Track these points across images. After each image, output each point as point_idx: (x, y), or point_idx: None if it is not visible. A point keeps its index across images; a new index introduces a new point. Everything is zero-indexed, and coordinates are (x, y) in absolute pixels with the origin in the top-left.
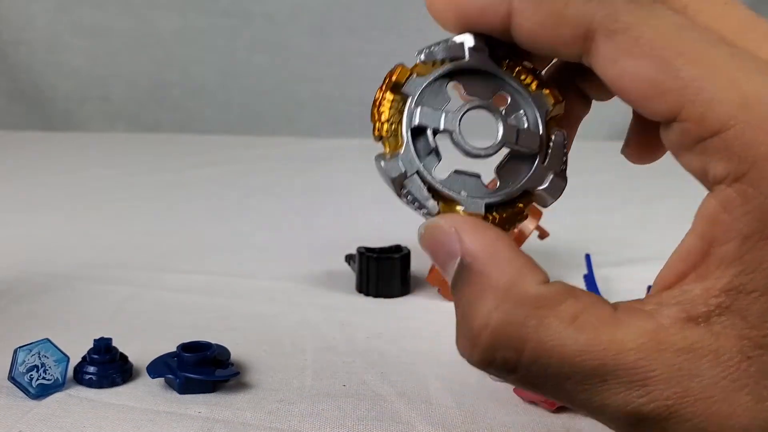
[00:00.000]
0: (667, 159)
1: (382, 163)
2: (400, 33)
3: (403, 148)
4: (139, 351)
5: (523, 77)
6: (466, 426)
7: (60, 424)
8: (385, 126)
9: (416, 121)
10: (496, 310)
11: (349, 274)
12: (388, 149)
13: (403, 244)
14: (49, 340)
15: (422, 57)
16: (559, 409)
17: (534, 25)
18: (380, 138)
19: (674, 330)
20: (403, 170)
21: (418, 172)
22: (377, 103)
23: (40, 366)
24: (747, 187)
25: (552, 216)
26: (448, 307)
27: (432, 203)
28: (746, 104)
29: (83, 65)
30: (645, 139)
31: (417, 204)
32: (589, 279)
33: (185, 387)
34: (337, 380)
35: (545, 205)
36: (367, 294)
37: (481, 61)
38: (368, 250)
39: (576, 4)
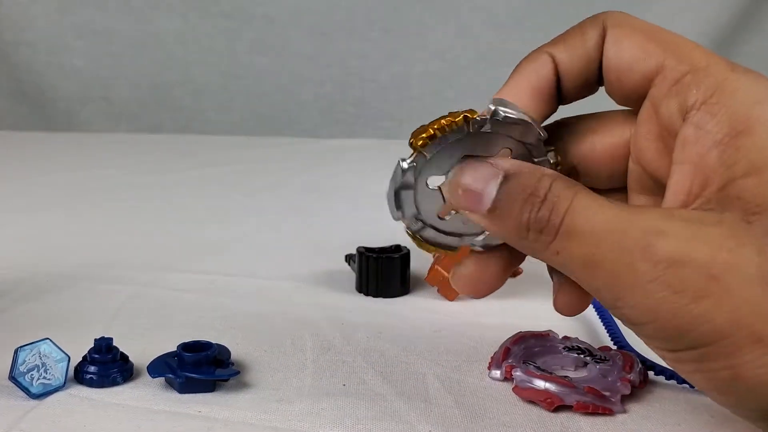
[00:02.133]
0: None
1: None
2: (400, 34)
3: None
4: (140, 350)
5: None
6: (466, 425)
7: (61, 424)
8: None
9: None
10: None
11: (349, 273)
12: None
13: (402, 244)
14: (50, 340)
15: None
16: (558, 409)
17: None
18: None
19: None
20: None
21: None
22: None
23: (41, 366)
24: (714, 104)
25: None
26: (448, 307)
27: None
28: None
29: (85, 66)
30: (574, 291)
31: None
32: None
33: (186, 386)
34: (337, 380)
35: None
36: (366, 294)
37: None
38: (368, 250)
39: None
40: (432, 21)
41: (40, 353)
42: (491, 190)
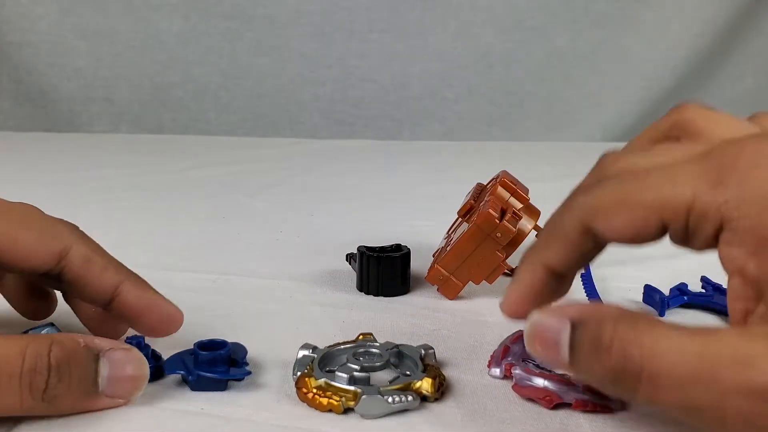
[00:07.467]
0: None
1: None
2: (400, 35)
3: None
4: None
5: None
6: (465, 424)
7: (62, 421)
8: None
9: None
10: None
11: (350, 272)
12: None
13: (403, 243)
14: (53, 324)
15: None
16: (557, 407)
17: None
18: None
19: None
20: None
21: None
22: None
23: None
24: (732, 220)
25: (550, 215)
26: (447, 306)
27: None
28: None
29: (87, 67)
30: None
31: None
32: (586, 277)
33: (198, 384)
34: None
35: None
36: (367, 292)
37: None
38: (369, 249)
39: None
40: (432, 21)
41: None
42: (564, 342)
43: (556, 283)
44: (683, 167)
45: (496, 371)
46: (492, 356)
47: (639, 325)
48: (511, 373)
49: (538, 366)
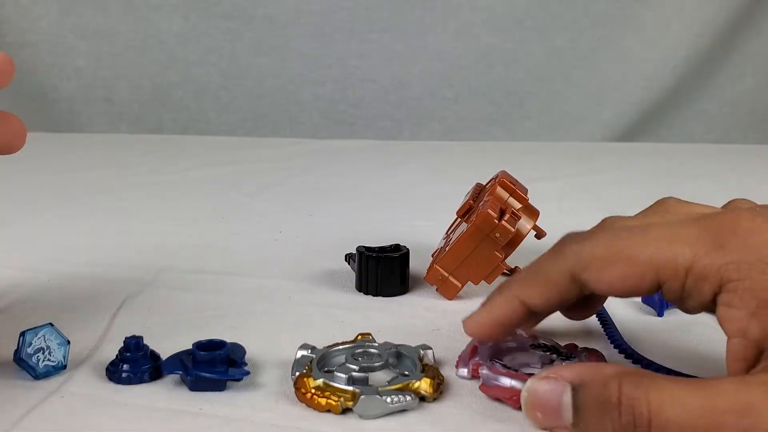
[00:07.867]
0: (666, 162)
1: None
2: (400, 35)
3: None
4: None
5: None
6: (464, 424)
7: (61, 422)
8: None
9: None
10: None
11: (349, 273)
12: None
13: (402, 243)
14: (51, 325)
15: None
16: None
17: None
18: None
19: None
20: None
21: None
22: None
23: (45, 348)
24: (732, 281)
25: (549, 216)
26: (446, 306)
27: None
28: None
29: (87, 67)
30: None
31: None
32: (603, 312)
33: (196, 384)
34: None
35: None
36: (366, 293)
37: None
38: (368, 249)
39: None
40: (432, 21)
41: (44, 337)
42: (566, 405)
43: (527, 318)
44: (682, 229)
45: (464, 371)
46: (460, 357)
47: (642, 382)
48: (478, 372)
49: (505, 366)
